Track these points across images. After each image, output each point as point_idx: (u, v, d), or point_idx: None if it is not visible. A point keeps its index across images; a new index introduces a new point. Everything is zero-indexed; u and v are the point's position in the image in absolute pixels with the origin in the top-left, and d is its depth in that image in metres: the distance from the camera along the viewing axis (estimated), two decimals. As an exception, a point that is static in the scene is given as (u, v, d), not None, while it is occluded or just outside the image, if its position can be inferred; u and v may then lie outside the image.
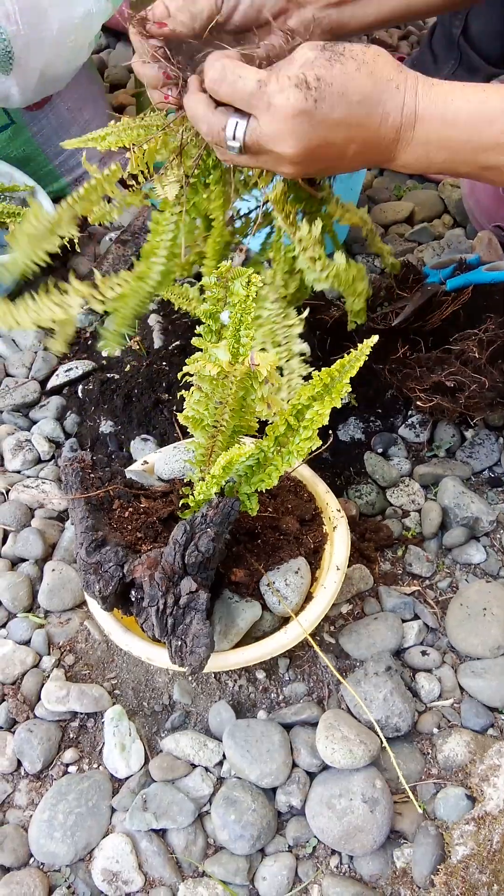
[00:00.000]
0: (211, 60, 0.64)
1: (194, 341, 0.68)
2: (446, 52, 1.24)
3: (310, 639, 0.71)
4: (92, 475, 0.68)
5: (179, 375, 0.63)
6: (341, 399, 0.59)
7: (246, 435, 0.68)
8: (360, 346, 0.56)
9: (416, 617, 0.83)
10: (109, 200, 0.77)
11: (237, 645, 0.71)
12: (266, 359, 0.56)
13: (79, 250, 1.06)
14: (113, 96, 1.48)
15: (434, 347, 0.97)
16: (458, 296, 0.98)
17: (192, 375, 0.63)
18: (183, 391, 0.67)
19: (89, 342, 1.10)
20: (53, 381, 1.04)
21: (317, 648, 0.70)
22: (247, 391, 0.60)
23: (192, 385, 0.65)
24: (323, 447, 0.65)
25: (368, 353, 0.58)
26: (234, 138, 0.64)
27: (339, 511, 0.78)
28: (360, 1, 0.76)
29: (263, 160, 0.66)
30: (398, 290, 1.01)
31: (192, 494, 0.69)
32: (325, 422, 0.59)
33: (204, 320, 0.67)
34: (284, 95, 0.60)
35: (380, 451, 0.96)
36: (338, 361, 0.58)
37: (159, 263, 0.76)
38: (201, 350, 0.67)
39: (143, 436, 0.96)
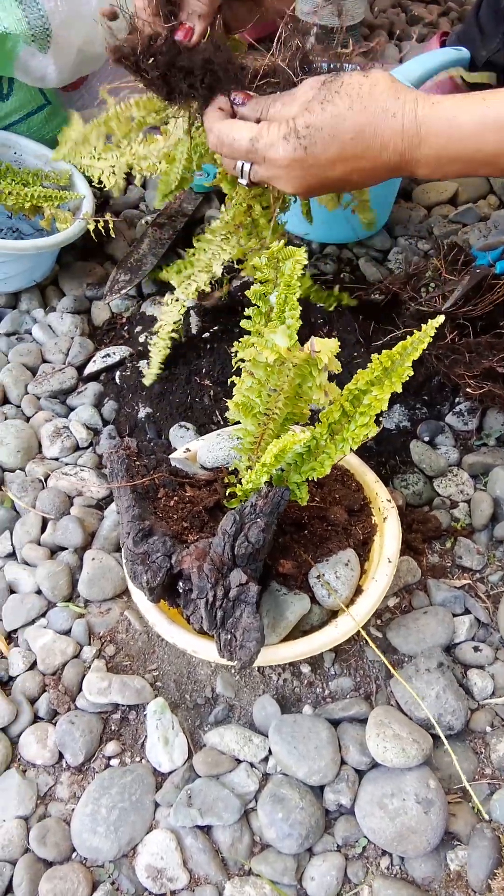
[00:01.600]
0: (208, 125, 0.71)
1: (243, 324, 0.66)
2: (493, 26, 1.19)
3: (363, 633, 0.68)
4: (137, 463, 0.66)
5: (234, 362, 0.61)
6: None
7: (296, 423, 0.66)
8: (423, 327, 0.53)
9: (467, 611, 0.80)
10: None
11: (285, 639, 0.68)
12: (326, 345, 0.53)
13: (114, 235, 1.04)
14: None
15: (483, 332, 0.94)
16: (509, 279, 0.94)
17: (244, 361, 0.60)
18: (234, 377, 0.64)
19: (125, 328, 1.08)
20: (90, 368, 1.02)
21: (372, 644, 0.67)
22: (304, 378, 0.57)
23: (243, 371, 0.62)
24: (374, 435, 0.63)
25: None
26: (242, 176, 0.72)
27: (389, 501, 0.75)
28: None
29: (273, 191, 0.73)
30: (446, 273, 0.97)
31: (240, 483, 0.67)
32: (384, 407, 0.56)
33: (254, 301, 0.65)
34: (275, 149, 0.66)
35: (426, 439, 0.93)
36: (399, 343, 0.55)
37: (178, 168, 0.89)
38: (248, 333, 0.65)
39: (182, 423, 0.94)
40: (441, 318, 0.53)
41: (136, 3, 0.68)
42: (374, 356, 0.56)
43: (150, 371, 0.95)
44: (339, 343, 0.55)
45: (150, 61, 0.69)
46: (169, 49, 0.68)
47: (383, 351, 0.56)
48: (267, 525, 0.62)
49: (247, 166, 0.71)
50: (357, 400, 0.59)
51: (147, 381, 0.96)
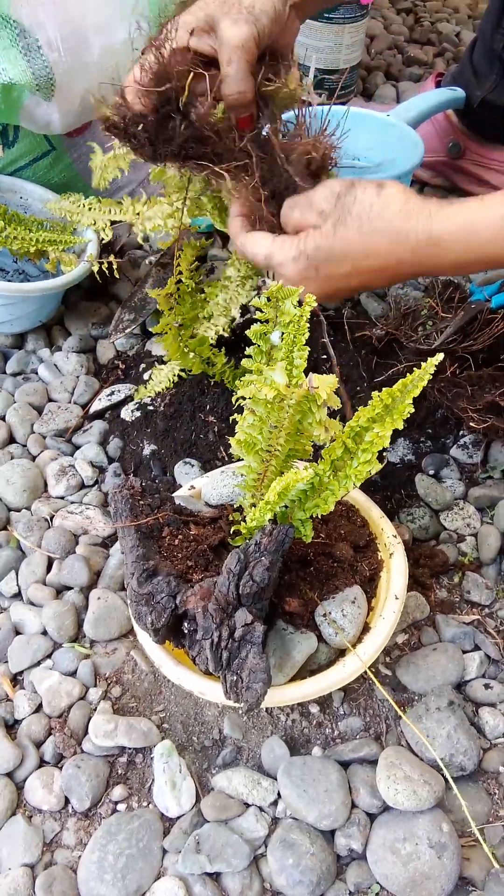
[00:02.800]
0: (232, 234, 0.76)
1: (244, 363, 0.67)
2: (487, 66, 1.22)
3: (370, 674, 0.67)
4: (141, 502, 0.66)
5: (234, 399, 0.61)
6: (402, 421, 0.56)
7: (300, 459, 0.66)
8: (423, 365, 0.54)
9: (477, 648, 0.79)
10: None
11: (293, 679, 0.68)
12: (325, 381, 0.54)
13: (118, 276, 1.06)
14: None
15: (485, 365, 0.94)
16: (509, 313, 0.95)
17: (245, 399, 0.61)
18: (236, 414, 0.65)
19: (131, 365, 1.09)
20: (96, 406, 1.03)
21: (378, 686, 0.66)
22: (304, 415, 0.58)
23: (244, 408, 0.63)
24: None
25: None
26: (265, 285, 0.77)
27: (395, 537, 0.75)
28: None
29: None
30: (441, 310, 0.98)
31: (244, 521, 0.67)
32: (387, 444, 0.57)
33: (254, 340, 0.65)
34: (286, 268, 0.70)
35: (431, 472, 0.93)
36: (399, 381, 0.55)
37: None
38: (251, 372, 0.66)
39: (187, 459, 0.94)
40: (440, 357, 0.53)
41: (127, 77, 0.71)
42: (375, 394, 0.56)
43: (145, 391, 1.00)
44: (340, 378, 0.56)
45: (140, 128, 0.72)
46: (159, 121, 0.71)
47: (384, 388, 0.56)
48: (272, 563, 0.61)
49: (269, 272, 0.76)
50: (359, 437, 0.59)
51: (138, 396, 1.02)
